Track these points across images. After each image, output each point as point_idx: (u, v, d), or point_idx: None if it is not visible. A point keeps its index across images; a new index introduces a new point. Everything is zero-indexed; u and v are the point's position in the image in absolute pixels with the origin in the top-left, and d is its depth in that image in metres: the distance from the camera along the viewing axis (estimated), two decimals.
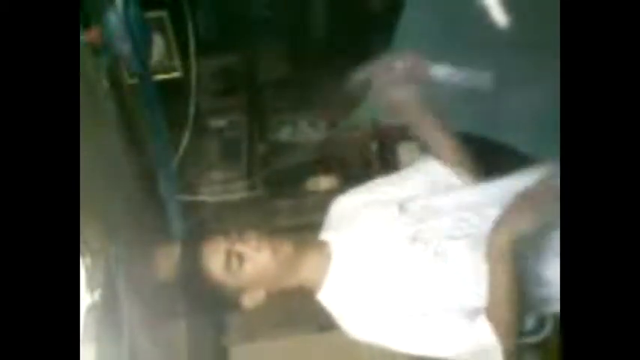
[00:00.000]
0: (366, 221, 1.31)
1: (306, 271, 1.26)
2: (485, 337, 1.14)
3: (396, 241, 1.25)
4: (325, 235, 1.34)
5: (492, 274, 1.14)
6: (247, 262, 1.22)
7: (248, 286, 1.24)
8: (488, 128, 1.37)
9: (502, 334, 1.13)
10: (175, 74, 1.94)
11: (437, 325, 1.17)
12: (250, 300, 1.25)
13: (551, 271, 1.20)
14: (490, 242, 1.13)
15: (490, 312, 1.14)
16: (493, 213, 1.22)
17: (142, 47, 1.39)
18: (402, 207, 1.31)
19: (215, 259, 1.23)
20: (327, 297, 1.25)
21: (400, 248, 1.24)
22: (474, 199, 1.29)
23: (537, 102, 1.27)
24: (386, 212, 1.31)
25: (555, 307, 1.22)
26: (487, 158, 1.39)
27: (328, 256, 1.27)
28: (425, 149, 1.38)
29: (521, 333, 1.17)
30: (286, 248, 1.24)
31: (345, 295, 1.23)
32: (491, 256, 1.13)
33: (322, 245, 1.30)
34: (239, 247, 1.22)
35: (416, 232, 1.25)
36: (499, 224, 1.13)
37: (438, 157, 1.36)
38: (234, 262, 1.21)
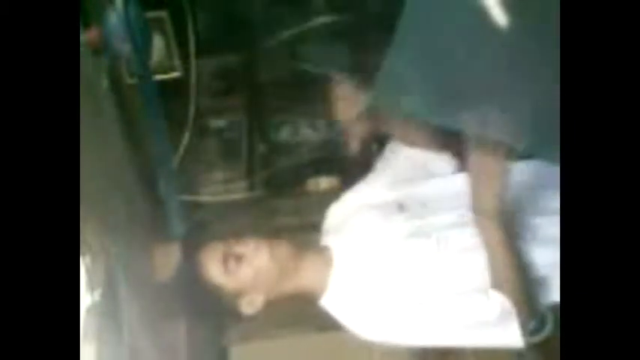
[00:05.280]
0: (365, 224, 1.32)
1: (306, 276, 1.26)
2: (496, 308, 1.13)
3: (397, 239, 1.25)
4: (325, 241, 1.34)
5: (488, 245, 1.14)
6: (245, 263, 1.22)
7: (246, 289, 1.24)
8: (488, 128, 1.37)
9: (514, 300, 1.13)
10: (175, 74, 1.94)
11: (448, 309, 1.17)
12: (249, 305, 1.25)
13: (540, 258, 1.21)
14: (476, 211, 1.14)
15: (495, 282, 1.14)
16: None
17: (142, 47, 1.39)
18: (400, 206, 1.31)
19: (213, 261, 1.23)
20: (332, 302, 1.24)
21: (401, 244, 1.24)
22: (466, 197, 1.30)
23: (537, 102, 1.27)
24: (384, 213, 1.31)
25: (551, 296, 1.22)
26: None
27: (329, 261, 1.27)
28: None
29: (523, 332, 1.17)
30: (285, 250, 1.24)
31: (350, 299, 1.23)
32: (482, 226, 1.14)
33: (322, 250, 1.30)
34: (237, 249, 1.23)
35: (416, 228, 1.25)
36: (474, 195, 1.14)
37: (413, 145, 1.38)
38: (232, 262, 1.22)
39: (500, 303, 1.14)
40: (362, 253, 1.27)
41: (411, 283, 1.20)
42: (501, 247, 1.15)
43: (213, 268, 1.23)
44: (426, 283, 1.20)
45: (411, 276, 1.21)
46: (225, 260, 1.22)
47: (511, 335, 1.14)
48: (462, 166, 1.36)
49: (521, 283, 1.15)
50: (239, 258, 1.22)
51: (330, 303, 1.25)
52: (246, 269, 1.22)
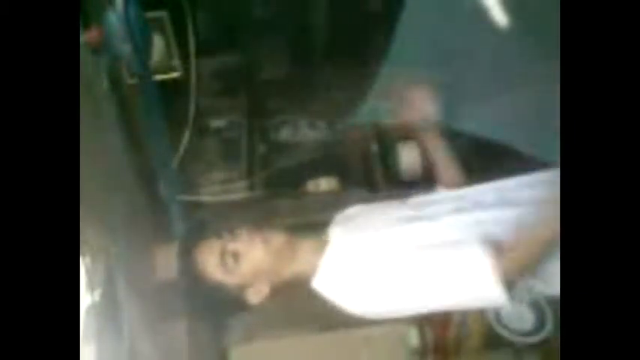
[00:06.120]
0: (364, 214, 1.33)
1: (302, 259, 1.27)
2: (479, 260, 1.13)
3: (394, 223, 1.27)
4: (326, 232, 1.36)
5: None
6: (242, 258, 1.23)
7: (248, 282, 1.25)
8: (488, 128, 1.37)
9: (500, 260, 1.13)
10: (175, 74, 1.94)
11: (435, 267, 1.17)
12: (255, 295, 1.26)
13: None
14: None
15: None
16: (490, 200, 1.23)
17: (142, 47, 1.39)
18: (402, 201, 1.34)
19: (210, 261, 1.23)
20: (322, 282, 1.25)
21: (397, 228, 1.25)
22: (472, 195, 1.31)
23: (537, 102, 1.27)
24: (386, 206, 1.33)
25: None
26: (486, 159, 1.39)
27: (324, 244, 1.29)
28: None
29: (522, 333, 1.17)
30: (278, 238, 1.26)
31: (341, 275, 1.23)
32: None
33: (317, 234, 1.32)
34: (232, 245, 1.23)
35: (414, 216, 1.27)
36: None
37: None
38: (230, 260, 1.23)
39: (484, 262, 1.13)
40: (357, 236, 1.28)
41: (400, 260, 1.21)
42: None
43: (212, 267, 1.24)
44: (414, 262, 1.20)
45: (401, 253, 1.22)
46: (222, 258, 1.23)
47: (492, 292, 1.14)
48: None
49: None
50: (235, 254, 1.23)
51: (321, 283, 1.25)
52: (244, 264, 1.23)
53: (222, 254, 1.23)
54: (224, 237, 1.25)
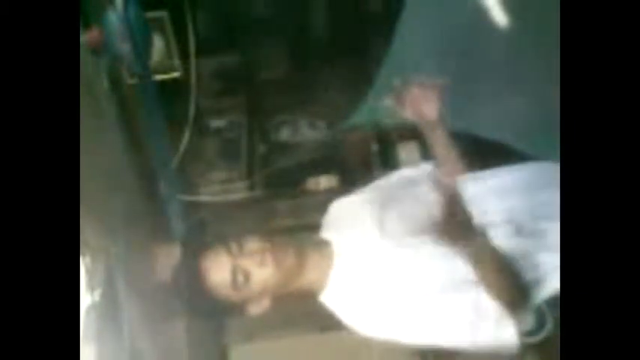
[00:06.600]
0: (366, 219, 1.32)
1: (309, 274, 1.27)
2: (487, 307, 1.14)
3: (397, 235, 1.26)
4: (326, 235, 1.34)
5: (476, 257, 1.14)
6: (253, 278, 1.22)
7: (254, 298, 1.24)
8: (488, 128, 1.37)
9: (500, 299, 1.13)
10: (175, 74, 1.94)
11: (441, 310, 1.17)
12: (256, 308, 1.25)
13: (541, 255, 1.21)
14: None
15: (483, 281, 1.14)
16: (491, 202, 1.23)
17: (142, 47, 1.39)
18: (400, 202, 1.32)
19: (220, 276, 1.22)
20: (331, 298, 1.25)
21: (400, 241, 1.25)
22: (471, 192, 1.30)
23: (537, 102, 1.27)
24: (384, 208, 1.32)
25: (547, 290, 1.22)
26: (485, 157, 1.39)
27: (330, 257, 1.28)
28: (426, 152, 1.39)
29: (522, 333, 1.17)
30: (289, 258, 1.24)
31: (349, 293, 1.23)
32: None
33: (323, 245, 1.30)
34: (244, 264, 1.22)
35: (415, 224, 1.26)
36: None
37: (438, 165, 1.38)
38: (240, 278, 1.21)
39: (491, 304, 1.14)
40: (362, 247, 1.27)
41: (411, 280, 1.21)
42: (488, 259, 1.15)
43: (221, 282, 1.22)
44: (420, 282, 1.20)
45: (411, 273, 1.21)
46: (233, 275, 1.22)
47: (505, 335, 1.14)
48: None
49: (508, 284, 1.15)
50: (247, 274, 1.22)
51: (330, 298, 1.25)
52: (254, 284, 1.22)
53: (234, 272, 1.21)
54: (232, 249, 1.23)
